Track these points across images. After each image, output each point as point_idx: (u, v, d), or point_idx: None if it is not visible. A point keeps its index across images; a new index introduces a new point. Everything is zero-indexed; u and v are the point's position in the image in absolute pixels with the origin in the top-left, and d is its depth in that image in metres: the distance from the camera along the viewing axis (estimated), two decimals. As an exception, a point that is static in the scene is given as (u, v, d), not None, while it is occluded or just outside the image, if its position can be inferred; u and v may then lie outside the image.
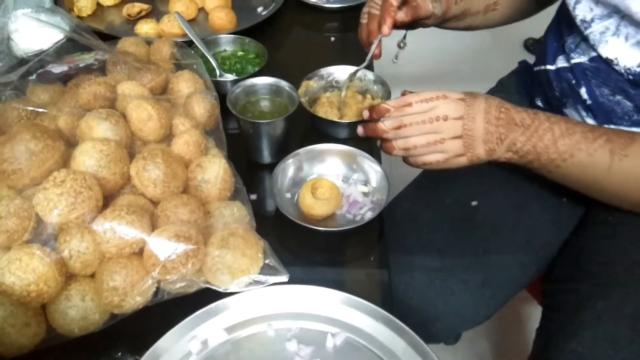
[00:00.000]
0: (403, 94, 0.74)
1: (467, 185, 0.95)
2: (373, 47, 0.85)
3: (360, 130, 0.78)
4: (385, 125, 0.73)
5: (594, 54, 0.79)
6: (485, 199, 0.93)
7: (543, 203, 0.92)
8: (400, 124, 0.72)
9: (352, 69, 0.98)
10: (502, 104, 0.72)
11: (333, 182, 0.80)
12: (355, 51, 1.15)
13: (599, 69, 0.79)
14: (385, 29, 0.80)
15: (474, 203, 0.92)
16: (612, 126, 0.81)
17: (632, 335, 0.69)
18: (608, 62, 0.77)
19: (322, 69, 0.98)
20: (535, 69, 0.96)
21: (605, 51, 0.77)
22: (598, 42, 0.77)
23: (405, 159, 0.77)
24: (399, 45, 0.91)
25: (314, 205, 0.76)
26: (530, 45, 2.60)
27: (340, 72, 0.98)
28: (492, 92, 1.11)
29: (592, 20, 0.78)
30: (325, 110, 0.91)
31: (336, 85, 0.99)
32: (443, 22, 0.94)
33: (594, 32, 0.78)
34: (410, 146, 0.73)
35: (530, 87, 1.02)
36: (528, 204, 0.92)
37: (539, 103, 0.98)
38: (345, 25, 1.25)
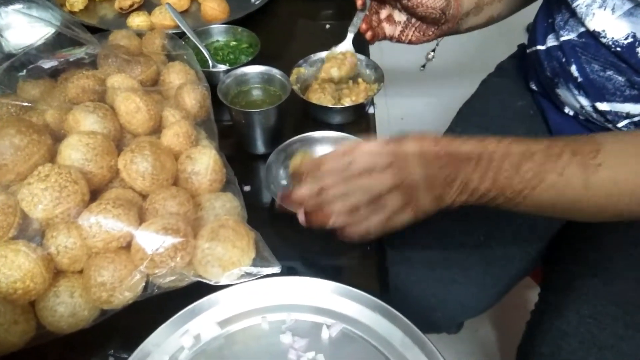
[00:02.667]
0: None
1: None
2: (355, 20, 0.89)
3: (278, 205, 0.70)
4: (302, 193, 0.61)
5: (582, 29, 0.78)
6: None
7: None
8: (319, 188, 0.60)
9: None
10: (438, 139, 0.59)
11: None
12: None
13: (588, 44, 0.78)
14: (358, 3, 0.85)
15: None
16: (605, 103, 0.79)
17: (618, 313, 0.68)
18: (595, 36, 0.76)
19: (312, 55, 0.96)
20: (528, 51, 0.93)
21: (593, 24, 0.75)
22: (585, 15, 0.76)
23: (339, 233, 0.63)
24: (427, 57, 0.92)
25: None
26: (533, 30, 2.56)
27: None
28: (491, 76, 1.09)
29: None
30: (319, 97, 0.89)
31: None
32: (460, 21, 0.89)
33: (580, 4, 0.76)
34: (345, 210, 0.60)
35: (525, 70, 1.00)
36: None
37: (533, 86, 0.96)
38: (340, 12, 1.23)
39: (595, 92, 0.79)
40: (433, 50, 0.92)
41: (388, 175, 0.57)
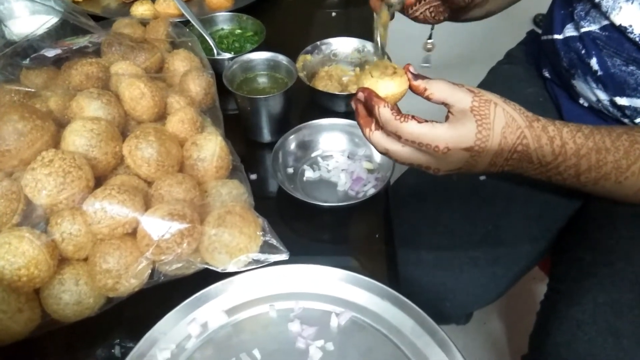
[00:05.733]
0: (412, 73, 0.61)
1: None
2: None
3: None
4: (374, 138, 0.60)
5: (605, 22, 0.75)
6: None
7: None
8: (386, 152, 0.60)
9: (352, 41, 0.94)
10: (514, 149, 0.59)
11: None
12: (357, 26, 1.12)
13: (611, 38, 0.75)
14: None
15: (482, 177, 0.89)
16: (625, 98, 0.76)
17: (634, 300, 0.66)
18: (621, 31, 0.72)
19: (319, 42, 0.95)
20: (542, 38, 0.91)
21: (619, 18, 0.72)
22: (611, 9, 0.73)
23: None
24: (426, 48, 0.83)
25: (376, 86, 0.59)
26: (540, 21, 2.54)
27: (338, 44, 0.95)
28: (500, 64, 1.07)
29: None
30: (325, 84, 0.88)
31: (334, 58, 0.95)
32: (470, 9, 0.81)
33: None
34: (384, 150, 0.60)
35: (538, 57, 0.98)
36: None
37: (547, 74, 0.94)
38: (346, 0, 1.22)
39: (615, 86, 0.77)
40: (429, 38, 0.84)
41: (452, 168, 0.60)
